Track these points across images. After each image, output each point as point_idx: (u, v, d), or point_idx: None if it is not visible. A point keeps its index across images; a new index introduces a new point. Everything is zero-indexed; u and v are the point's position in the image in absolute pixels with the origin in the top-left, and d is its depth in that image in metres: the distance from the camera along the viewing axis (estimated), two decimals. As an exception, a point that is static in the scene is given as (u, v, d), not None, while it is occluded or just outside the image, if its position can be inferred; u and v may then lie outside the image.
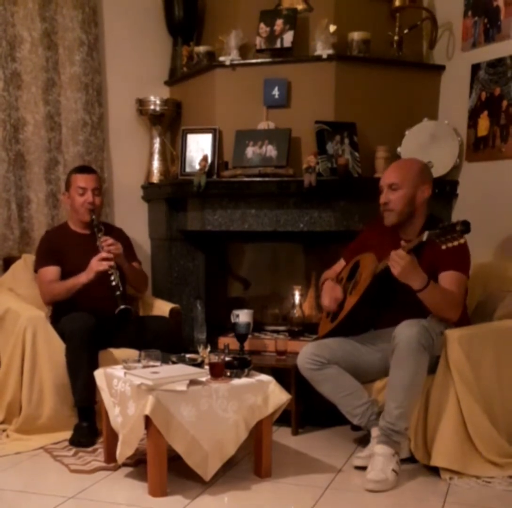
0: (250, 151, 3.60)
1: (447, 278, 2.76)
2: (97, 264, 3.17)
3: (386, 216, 2.91)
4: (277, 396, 2.66)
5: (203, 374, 2.61)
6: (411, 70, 3.76)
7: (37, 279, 3.41)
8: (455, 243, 2.47)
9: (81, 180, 3.40)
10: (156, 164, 4.09)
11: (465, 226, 2.44)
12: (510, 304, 2.98)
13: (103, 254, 3.19)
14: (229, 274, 4.14)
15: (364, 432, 3.00)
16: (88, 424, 3.03)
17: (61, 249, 3.37)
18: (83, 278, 3.19)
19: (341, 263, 3.21)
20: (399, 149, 3.62)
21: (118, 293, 3.15)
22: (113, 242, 3.26)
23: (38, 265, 3.38)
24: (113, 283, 3.16)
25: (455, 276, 2.77)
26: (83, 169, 3.50)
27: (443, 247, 2.51)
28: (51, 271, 3.32)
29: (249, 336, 3.43)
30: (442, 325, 2.74)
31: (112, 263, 3.18)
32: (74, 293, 3.22)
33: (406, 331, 2.62)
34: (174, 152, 4.06)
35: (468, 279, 2.84)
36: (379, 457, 2.61)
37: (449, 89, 3.75)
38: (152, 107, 4.01)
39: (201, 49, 3.89)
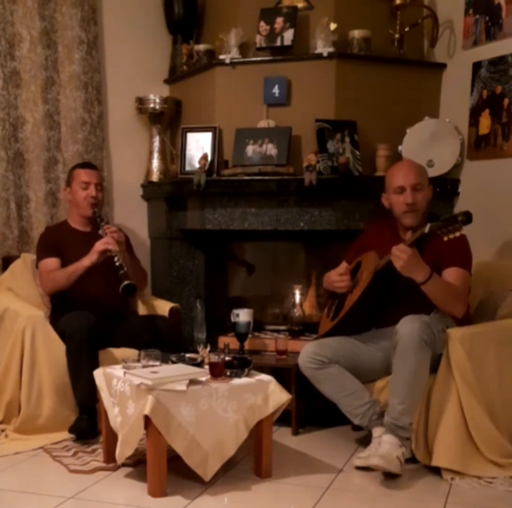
0: (250, 149, 3.59)
1: (451, 275, 2.77)
2: (100, 245, 3.18)
3: (411, 216, 2.87)
4: (277, 396, 2.64)
5: (203, 374, 2.60)
6: (412, 68, 3.75)
7: (38, 272, 3.41)
8: (457, 234, 2.46)
9: (85, 175, 3.45)
10: (155, 162, 4.08)
11: (467, 217, 2.42)
12: (512, 303, 2.97)
13: (108, 238, 3.21)
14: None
15: (365, 432, 2.99)
16: (89, 416, 3.01)
17: (61, 244, 3.38)
18: (86, 261, 3.19)
19: (343, 265, 3.19)
20: (400, 148, 3.61)
21: (121, 272, 3.15)
22: (116, 229, 3.31)
23: (39, 258, 3.39)
24: (117, 263, 3.16)
25: (459, 273, 2.77)
26: (86, 165, 3.57)
27: (445, 238, 2.49)
28: (52, 262, 3.33)
29: (249, 335, 3.42)
30: (443, 322, 2.74)
31: (116, 247, 3.19)
32: (75, 279, 3.22)
33: (408, 327, 2.62)
34: (173, 151, 4.05)
35: (470, 276, 2.84)
36: (386, 444, 2.61)
37: (450, 87, 3.74)
38: (151, 105, 4.00)
39: (201, 47, 3.88)
